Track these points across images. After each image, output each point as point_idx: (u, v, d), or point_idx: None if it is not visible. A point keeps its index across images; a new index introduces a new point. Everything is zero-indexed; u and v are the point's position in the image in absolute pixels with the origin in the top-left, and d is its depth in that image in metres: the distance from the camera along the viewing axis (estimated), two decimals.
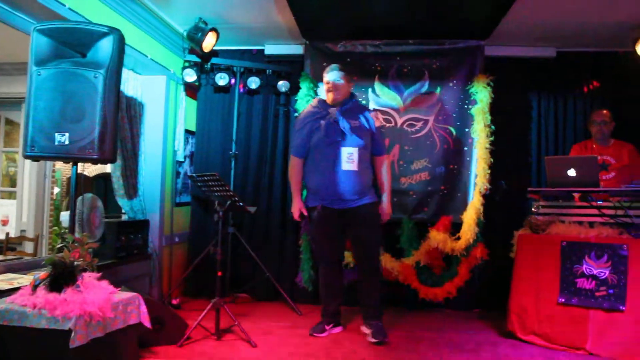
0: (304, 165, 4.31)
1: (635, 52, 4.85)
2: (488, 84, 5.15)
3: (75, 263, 2.91)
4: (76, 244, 2.97)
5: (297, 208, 4.30)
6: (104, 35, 3.15)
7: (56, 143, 3.07)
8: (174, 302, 5.05)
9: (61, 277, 2.80)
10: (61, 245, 3.22)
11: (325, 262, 4.37)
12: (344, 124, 4.12)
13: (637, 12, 4.53)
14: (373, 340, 4.00)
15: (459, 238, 5.07)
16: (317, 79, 5.33)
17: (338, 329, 4.38)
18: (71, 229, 3.38)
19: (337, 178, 4.09)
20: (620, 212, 3.91)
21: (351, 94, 4.34)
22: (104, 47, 3.14)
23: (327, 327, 4.29)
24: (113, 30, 3.16)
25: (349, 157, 4.09)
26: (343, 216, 4.17)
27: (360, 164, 4.11)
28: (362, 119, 4.22)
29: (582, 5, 4.45)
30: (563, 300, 3.90)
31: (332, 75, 4.20)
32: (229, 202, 4.11)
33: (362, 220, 4.17)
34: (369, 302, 4.23)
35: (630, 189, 4.00)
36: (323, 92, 4.50)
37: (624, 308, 3.66)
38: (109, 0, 4.14)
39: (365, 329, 4.19)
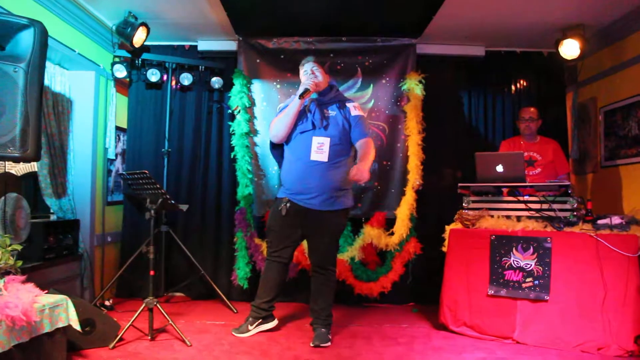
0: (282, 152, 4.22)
1: (558, 53, 5.05)
2: (420, 82, 5.26)
3: None
4: None
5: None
6: (24, 27, 3.00)
7: None
8: (107, 303, 4.92)
9: None
10: None
11: (273, 257, 4.19)
12: (317, 113, 4.01)
13: (560, 15, 4.75)
14: (311, 344, 3.91)
15: (392, 233, 5.18)
16: (250, 75, 5.33)
17: (267, 325, 4.25)
18: None
19: (305, 169, 3.96)
20: (545, 206, 4.07)
21: (330, 86, 4.20)
22: (25, 40, 2.99)
23: (250, 327, 4.16)
24: (34, 23, 3.02)
25: (319, 147, 3.94)
26: (306, 217, 4.03)
27: (331, 157, 3.95)
28: (340, 110, 4.07)
29: (509, 7, 4.61)
30: (492, 292, 4.04)
31: (309, 65, 4.09)
32: (160, 200, 4.04)
33: (324, 229, 4.05)
34: (317, 308, 4.11)
35: (553, 184, 4.18)
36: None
37: (548, 298, 3.83)
38: None
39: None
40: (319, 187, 3.95)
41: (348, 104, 4.11)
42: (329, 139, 3.96)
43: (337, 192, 4.00)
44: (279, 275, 4.21)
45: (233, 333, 4.15)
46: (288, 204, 4.05)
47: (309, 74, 4.08)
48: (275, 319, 4.33)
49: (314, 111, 4.03)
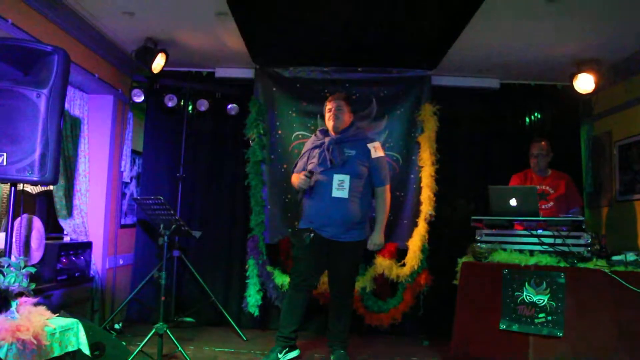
0: None
1: (572, 86, 5.05)
2: (434, 113, 5.26)
3: (10, 288, 2.80)
4: (11, 268, 2.87)
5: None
6: (48, 54, 3.04)
7: None
8: (117, 326, 4.92)
9: None
10: None
11: (297, 285, 4.24)
12: (337, 152, 4.14)
13: (575, 49, 4.75)
14: None
15: (404, 264, 5.13)
16: (266, 103, 5.39)
17: (293, 354, 4.29)
18: (7, 252, 3.26)
19: (328, 205, 4.11)
20: (558, 241, 4.03)
21: (352, 123, 4.35)
22: (48, 67, 3.02)
23: (279, 356, 4.18)
24: (58, 50, 3.06)
25: (339, 185, 4.10)
26: (329, 246, 4.17)
27: (352, 193, 4.11)
28: (360, 149, 4.21)
29: (524, 40, 4.63)
30: (504, 326, 3.98)
31: (334, 102, 4.27)
32: (174, 226, 4.05)
33: (345, 257, 4.19)
34: (336, 330, 4.23)
35: (567, 219, 4.14)
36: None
37: (561, 334, 3.77)
38: (55, 18, 4.07)
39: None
40: (341, 221, 4.11)
41: (369, 145, 4.26)
42: (349, 176, 4.11)
43: (357, 224, 4.17)
44: (306, 302, 4.29)
45: None
46: (312, 234, 4.15)
47: (329, 115, 4.26)
48: (298, 349, 4.36)
49: (333, 150, 4.14)
